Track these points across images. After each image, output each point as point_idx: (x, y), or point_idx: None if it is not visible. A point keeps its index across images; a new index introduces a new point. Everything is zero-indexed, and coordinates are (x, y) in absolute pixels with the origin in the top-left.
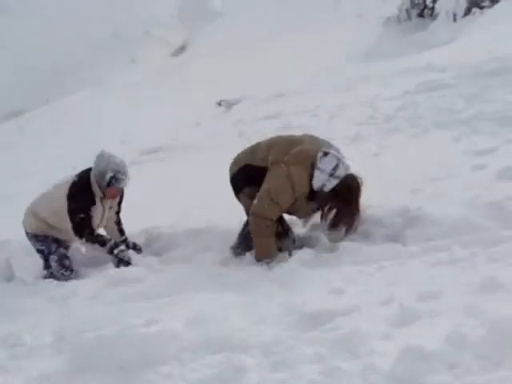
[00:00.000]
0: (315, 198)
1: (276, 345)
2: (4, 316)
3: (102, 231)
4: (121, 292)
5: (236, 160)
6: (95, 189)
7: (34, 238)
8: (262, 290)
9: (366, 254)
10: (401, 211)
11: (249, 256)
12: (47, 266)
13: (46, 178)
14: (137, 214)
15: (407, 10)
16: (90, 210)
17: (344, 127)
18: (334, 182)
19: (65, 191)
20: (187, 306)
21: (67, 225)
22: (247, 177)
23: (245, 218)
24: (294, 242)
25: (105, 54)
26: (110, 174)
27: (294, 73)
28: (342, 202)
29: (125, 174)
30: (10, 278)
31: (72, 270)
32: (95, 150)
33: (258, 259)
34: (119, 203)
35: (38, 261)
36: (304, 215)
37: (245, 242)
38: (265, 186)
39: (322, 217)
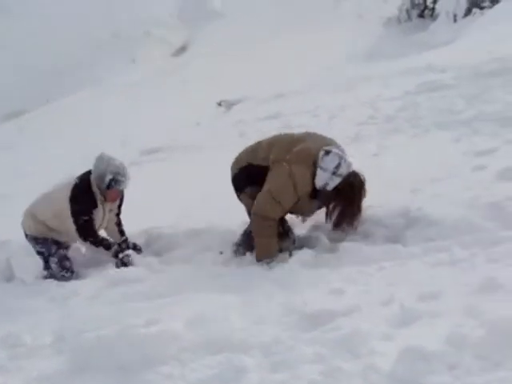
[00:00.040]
0: (318, 197)
1: (276, 345)
2: (4, 316)
3: (102, 232)
4: (121, 292)
5: (237, 159)
6: (96, 191)
7: (34, 240)
8: (262, 291)
9: (366, 254)
10: (401, 212)
11: (249, 256)
12: (47, 267)
13: (45, 178)
14: (137, 214)
15: (407, 11)
16: (92, 213)
17: (344, 127)
18: (336, 181)
19: (67, 193)
20: (187, 307)
21: (68, 227)
22: (249, 176)
23: (246, 218)
24: (294, 242)
25: (105, 53)
26: (109, 177)
27: (295, 73)
28: (345, 200)
29: (124, 176)
30: (10, 278)
31: (72, 272)
32: (95, 150)
33: (259, 259)
34: (119, 205)
35: (38, 261)
36: (307, 214)
37: (248, 241)
38: (266, 186)
39: (327, 215)
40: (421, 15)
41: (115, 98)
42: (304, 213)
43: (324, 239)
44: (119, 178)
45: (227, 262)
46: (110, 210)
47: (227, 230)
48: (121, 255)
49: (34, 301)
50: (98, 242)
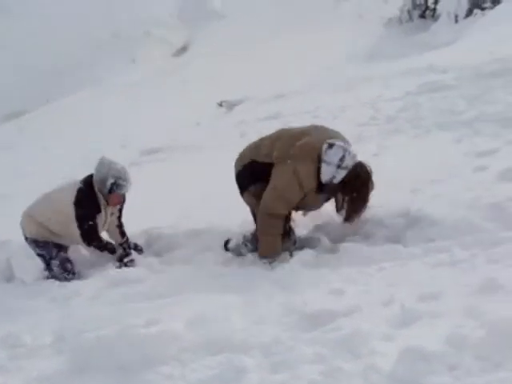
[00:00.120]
0: (324, 191)
1: (276, 345)
2: (4, 316)
3: (104, 234)
4: (121, 292)
5: (241, 156)
6: (99, 196)
7: (34, 243)
8: (263, 291)
9: (366, 254)
10: (401, 212)
11: (250, 256)
12: (49, 269)
13: (46, 178)
14: (137, 214)
15: (409, 11)
16: (96, 218)
17: (345, 128)
18: (342, 173)
19: (71, 198)
20: (187, 307)
21: (72, 231)
22: (252, 173)
23: (246, 217)
24: (294, 243)
25: (105, 54)
26: (111, 181)
27: (295, 73)
28: (352, 192)
29: (126, 180)
30: (10, 278)
31: (74, 273)
32: (95, 150)
33: (262, 256)
34: (120, 208)
35: (38, 261)
36: (314, 208)
37: (256, 241)
38: (272, 184)
39: (337, 207)
40: (422, 16)
41: (115, 98)
42: (311, 207)
43: (325, 240)
44: (121, 182)
45: (227, 263)
46: (112, 214)
47: (227, 230)
48: (125, 260)
49: (34, 301)
50: (102, 246)
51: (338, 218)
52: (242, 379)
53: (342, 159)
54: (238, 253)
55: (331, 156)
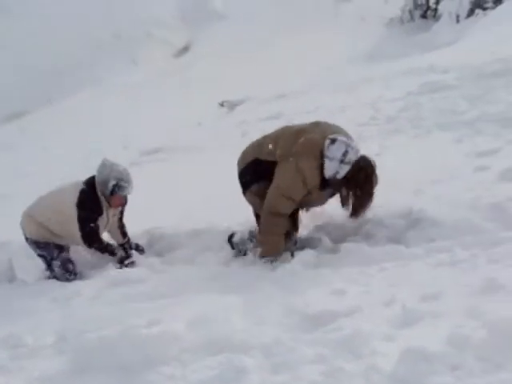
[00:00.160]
0: (328, 187)
1: (277, 346)
2: (5, 316)
3: (105, 234)
4: (123, 292)
5: (244, 154)
6: (101, 198)
7: (35, 244)
8: (263, 291)
9: (367, 255)
10: (403, 212)
11: (251, 257)
12: (50, 269)
13: (46, 178)
14: (138, 214)
15: (410, 11)
16: (98, 220)
17: (345, 128)
18: (346, 168)
19: (73, 199)
20: (188, 307)
21: (73, 233)
22: (255, 172)
23: (248, 217)
24: (295, 243)
25: (106, 54)
26: (112, 182)
27: (296, 74)
28: (356, 186)
29: (128, 181)
30: (11, 278)
31: (76, 274)
32: (96, 150)
33: (264, 256)
34: (122, 210)
35: (40, 261)
36: (318, 204)
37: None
38: (275, 182)
39: (342, 204)
40: (423, 16)
41: (115, 98)
42: (315, 204)
43: (326, 240)
44: (122, 183)
45: (228, 263)
46: (113, 215)
47: (228, 230)
48: (126, 262)
49: (35, 301)
50: (102, 248)
51: (345, 213)
52: (243, 380)
53: (344, 154)
54: (240, 247)
55: (334, 151)
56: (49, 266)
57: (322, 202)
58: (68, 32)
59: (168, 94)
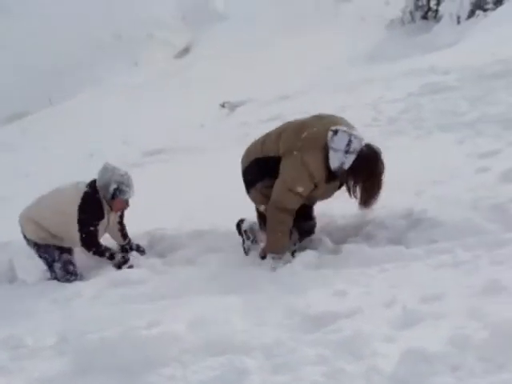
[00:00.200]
0: (335, 179)
1: (278, 347)
2: (6, 317)
3: (106, 235)
4: (124, 293)
5: (247, 152)
6: (103, 201)
7: (35, 245)
8: (264, 292)
9: (368, 256)
10: (404, 213)
11: (252, 257)
12: (51, 271)
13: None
14: (140, 215)
15: (411, 13)
16: (98, 224)
17: None
18: (351, 158)
19: (76, 201)
20: (189, 308)
21: (73, 235)
22: (260, 170)
23: (250, 217)
24: (295, 243)
25: (106, 55)
26: (113, 186)
27: (297, 74)
28: (364, 175)
29: (129, 185)
30: (12, 279)
31: (76, 275)
32: (97, 150)
33: (268, 252)
34: (121, 213)
35: (40, 262)
36: (325, 198)
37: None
38: (281, 178)
39: (349, 194)
40: (424, 17)
41: (117, 99)
42: (322, 198)
43: (327, 241)
44: (123, 187)
45: (230, 263)
46: (114, 218)
47: (230, 231)
48: (123, 267)
49: (36, 302)
50: (101, 252)
51: (357, 205)
52: (244, 381)
53: (348, 144)
54: (249, 234)
55: (337, 142)
56: (50, 268)
57: (328, 195)
58: (68, 32)
59: (168, 95)
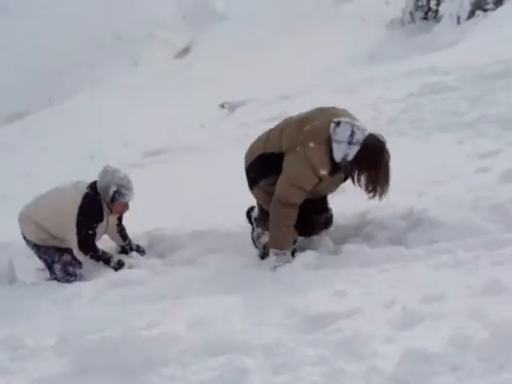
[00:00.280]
0: (339, 171)
1: (278, 347)
2: (6, 318)
3: (105, 236)
4: (124, 294)
5: (251, 149)
6: (103, 204)
7: (35, 246)
8: (264, 292)
9: (369, 256)
10: (404, 214)
11: (252, 257)
12: (51, 272)
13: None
14: (140, 216)
15: (411, 13)
16: (96, 227)
17: None
18: (355, 149)
19: (76, 202)
20: (189, 309)
21: (69, 235)
22: (263, 166)
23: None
24: (294, 242)
25: (106, 55)
26: (113, 189)
27: (297, 74)
28: (368, 166)
29: (128, 188)
30: (12, 279)
31: (76, 275)
32: (97, 151)
33: (272, 247)
34: (120, 216)
35: (40, 262)
36: (330, 191)
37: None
38: (284, 173)
39: (353, 182)
40: (424, 17)
41: (116, 99)
42: (326, 192)
43: (327, 241)
44: (123, 190)
45: (230, 264)
46: (113, 220)
47: (230, 231)
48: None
49: (36, 303)
50: (97, 256)
51: (367, 196)
52: (244, 381)
53: (351, 135)
54: (258, 222)
55: (340, 134)
56: (49, 269)
57: (333, 188)
58: (68, 32)
59: (168, 95)
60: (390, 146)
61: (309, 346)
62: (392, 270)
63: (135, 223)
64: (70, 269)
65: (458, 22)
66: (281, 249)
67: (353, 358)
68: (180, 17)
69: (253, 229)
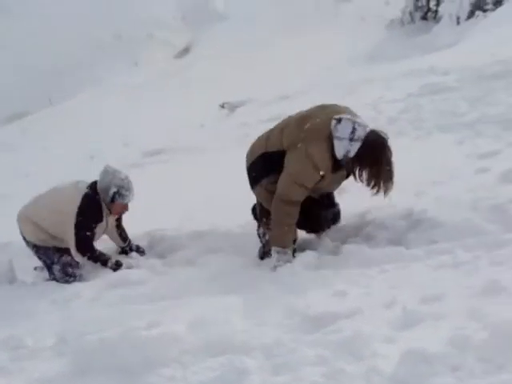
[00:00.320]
0: (341, 168)
1: (278, 347)
2: (6, 318)
3: (104, 237)
4: (123, 294)
5: (252, 148)
6: (103, 204)
7: (34, 247)
8: (264, 293)
9: (368, 256)
10: (404, 214)
11: (252, 257)
12: (50, 272)
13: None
14: (140, 216)
15: (411, 13)
16: (95, 228)
17: None
18: (356, 145)
19: (76, 202)
20: (189, 309)
21: (68, 235)
22: (265, 165)
23: (250, 219)
24: (294, 242)
25: (106, 55)
26: (113, 190)
27: (297, 74)
28: (370, 162)
29: (129, 189)
30: (12, 280)
31: (75, 276)
32: (97, 151)
33: (274, 245)
34: (119, 217)
35: (39, 262)
36: (332, 189)
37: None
38: (286, 170)
39: (355, 178)
40: (424, 17)
41: (116, 99)
42: (328, 189)
43: (327, 241)
44: (123, 191)
45: (230, 264)
46: (113, 221)
47: (230, 231)
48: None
49: (35, 303)
50: (95, 257)
51: (370, 193)
52: (244, 381)
53: (353, 132)
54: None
55: (341, 130)
56: (49, 269)
57: (335, 185)
58: (68, 32)
59: (168, 95)
60: (391, 147)
61: (309, 347)
62: (392, 271)
63: (135, 223)
64: (69, 270)
65: (458, 23)
66: (283, 247)
67: (353, 359)
68: (180, 17)
69: (258, 225)
